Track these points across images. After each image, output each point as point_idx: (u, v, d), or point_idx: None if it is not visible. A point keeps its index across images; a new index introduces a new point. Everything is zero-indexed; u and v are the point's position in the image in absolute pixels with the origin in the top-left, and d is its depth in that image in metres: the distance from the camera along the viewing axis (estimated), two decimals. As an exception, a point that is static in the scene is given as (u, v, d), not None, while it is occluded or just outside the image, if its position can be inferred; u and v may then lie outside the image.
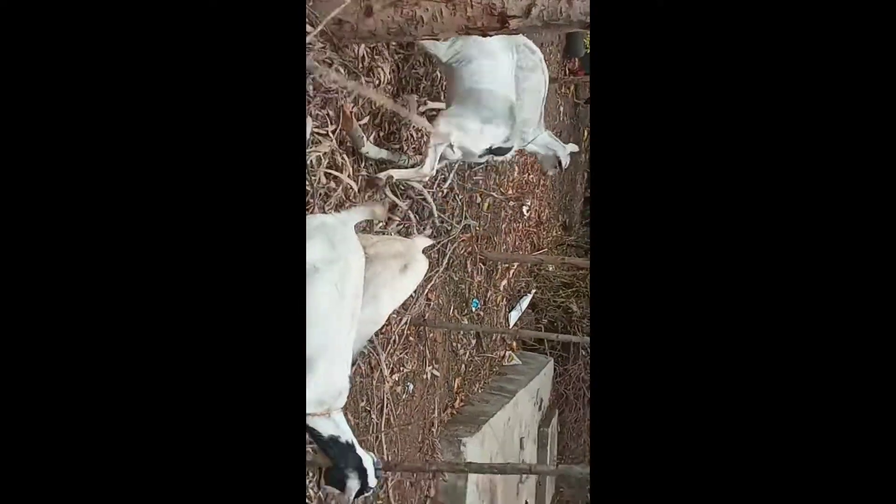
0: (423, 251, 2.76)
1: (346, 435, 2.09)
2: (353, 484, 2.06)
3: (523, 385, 5.45)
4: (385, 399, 3.62)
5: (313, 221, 2.17)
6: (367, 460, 2.09)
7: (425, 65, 3.76)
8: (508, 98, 3.26)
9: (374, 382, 3.51)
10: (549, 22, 2.66)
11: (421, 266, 2.68)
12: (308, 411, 2.00)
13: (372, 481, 2.09)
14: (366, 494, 2.15)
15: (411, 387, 3.95)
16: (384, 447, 3.57)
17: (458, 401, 4.69)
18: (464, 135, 3.18)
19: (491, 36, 2.77)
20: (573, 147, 3.99)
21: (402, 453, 3.81)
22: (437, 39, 2.87)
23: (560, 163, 3.91)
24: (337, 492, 2.12)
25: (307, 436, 2.07)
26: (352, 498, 2.08)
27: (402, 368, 3.85)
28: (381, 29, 2.78)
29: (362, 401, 3.43)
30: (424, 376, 4.14)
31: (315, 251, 2.06)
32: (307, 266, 2.01)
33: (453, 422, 4.46)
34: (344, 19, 2.77)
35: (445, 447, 4.23)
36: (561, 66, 7.01)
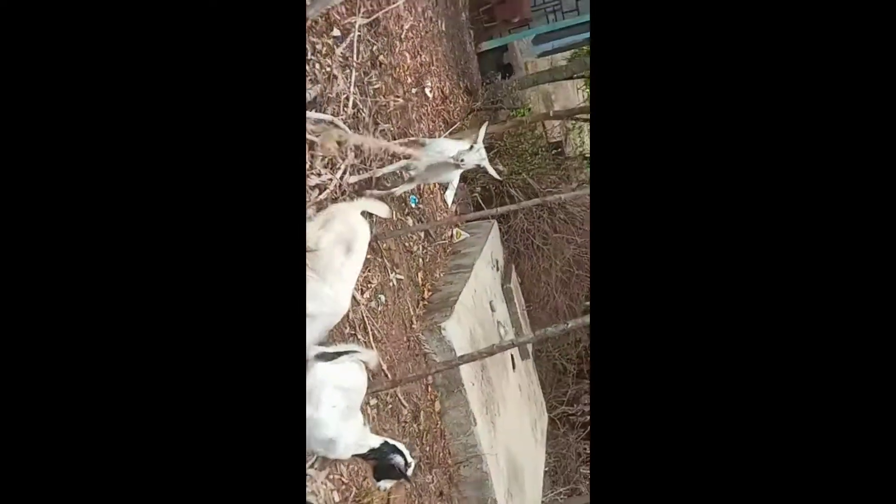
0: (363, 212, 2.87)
1: (372, 439, 2.42)
2: (399, 460, 2.39)
3: (477, 255, 5.81)
4: (364, 318, 3.92)
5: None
6: (393, 442, 2.45)
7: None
8: None
9: (351, 307, 3.78)
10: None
11: (363, 236, 2.78)
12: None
13: (409, 458, 2.43)
14: (411, 465, 2.50)
15: (383, 298, 4.24)
16: (380, 360, 3.90)
17: (426, 292, 5.03)
18: None
19: None
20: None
21: (394, 356, 4.17)
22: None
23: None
24: (393, 482, 2.47)
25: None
26: (407, 470, 2.42)
27: (369, 285, 4.12)
28: None
29: (346, 328, 3.71)
30: (391, 283, 4.43)
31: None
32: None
33: (429, 312, 4.81)
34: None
35: (428, 337, 4.60)
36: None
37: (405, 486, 3.80)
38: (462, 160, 3.65)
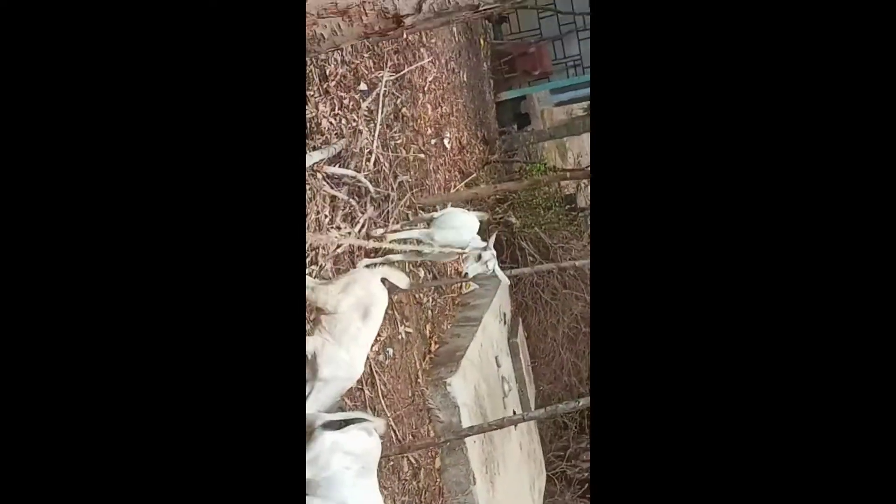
0: (383, 280, 2.88)
1: None
2: None
3: (486, 308, 5.81)
4: (372, 371, 3.91)
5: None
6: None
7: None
8: None
9: (360, 364, 3.77)
10: (441, 12, 2.78)
11: (381, 303, 2.79)
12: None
13: None
14: None
15: (391, 351, 4.23)
16: (387, 413, 3.89)
17: (433, 344, 5.02)
18: None
19: (391, 37, 2.87)
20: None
21: (400, 411, 4.15)
22: (340, 50, 2.95)
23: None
24: None
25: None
26: None
27: (378, 338, 4.12)
28: (285, 52, 2.85)
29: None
30: (399, 336, 4.42)
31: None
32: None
33: (435, 366, 4.79)
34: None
35: (433, 392, 4.58)
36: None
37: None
38: (479, 256, 3.80)
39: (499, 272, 3.89)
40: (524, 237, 6.83)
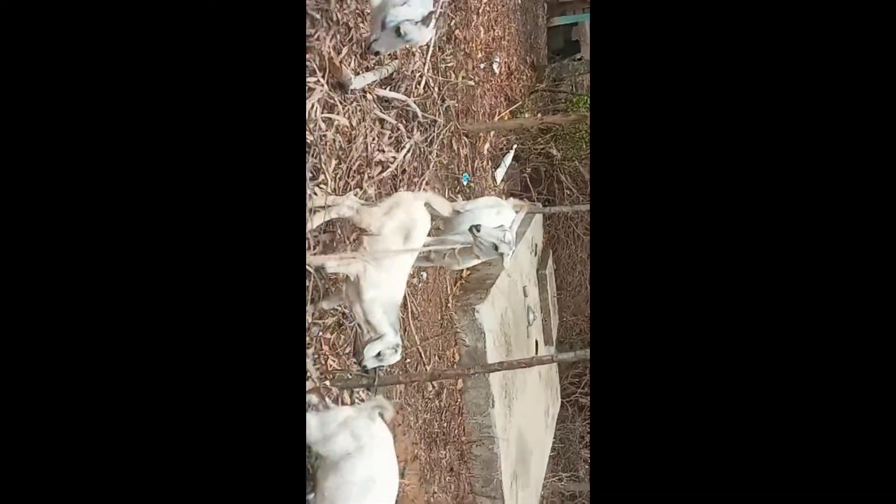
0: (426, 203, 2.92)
1: None
2: None
3: (519, 238, 5.87)
4: (405, 294, 4.03)
5: (338, 416, 2.44)
6: None
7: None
8: None
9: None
10: None
11: (423, 228, 2.83)
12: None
13: None
14: None
15: (424, 275, 4.34)
16: (414, 335, 4.03)
17: (464, 271, 5.12)
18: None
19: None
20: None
21: (427, 332, 4.29)
22: None
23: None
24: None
25: None
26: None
27: (414, 262, 4.22)
28: None
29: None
30: (433, 261, 4.53)
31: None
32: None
33: (465, 292, 4.91)
34: None
35: (461, 317, 4.72)
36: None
37: (419, 459, 3.97)
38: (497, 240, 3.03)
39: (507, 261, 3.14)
40: (563, 170, 6.80)
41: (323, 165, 3.04)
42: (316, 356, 3.04)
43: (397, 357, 2.83)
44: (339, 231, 3.12)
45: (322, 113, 3.06)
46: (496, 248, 2.91)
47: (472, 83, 5.20)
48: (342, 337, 3.27)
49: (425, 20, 2.45)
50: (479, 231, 2.87)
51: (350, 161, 3.27)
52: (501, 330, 5.06)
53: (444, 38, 4.78)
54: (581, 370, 7.89)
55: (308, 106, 2.99)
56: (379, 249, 2.85)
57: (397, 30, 2.44)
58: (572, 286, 7.03)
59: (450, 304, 4.67)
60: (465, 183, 5.31)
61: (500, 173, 6.29)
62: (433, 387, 4.29)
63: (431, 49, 4.37)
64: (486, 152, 5.91)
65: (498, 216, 3.28)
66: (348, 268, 2.81)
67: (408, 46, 2.63)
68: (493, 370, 3.67)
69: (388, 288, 2.83)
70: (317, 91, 3.01)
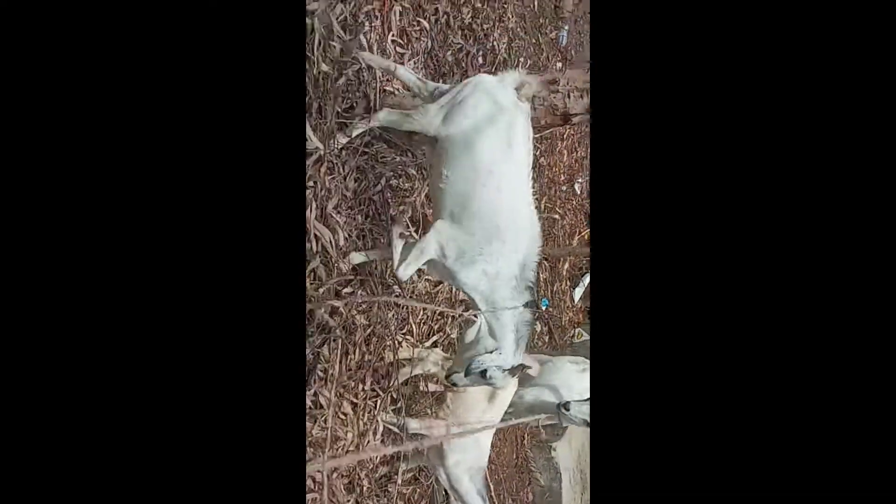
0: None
1: None
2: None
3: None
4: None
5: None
6: None
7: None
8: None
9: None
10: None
11: (510, 386, 2.77)
12: None
13: None
14: None
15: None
16: (489, 480, 3.87)
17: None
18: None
19: (558, 126, 2.82)
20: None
21: (501, 473, 4.13)
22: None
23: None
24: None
25: None
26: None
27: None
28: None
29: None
30: (511, 396, 4.39)
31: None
32: None
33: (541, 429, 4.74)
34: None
35: (536, 455, 4.54)
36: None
37: None
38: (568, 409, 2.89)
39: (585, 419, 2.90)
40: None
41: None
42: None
43: None
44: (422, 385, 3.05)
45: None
46: (586, 423, 2.78)
47: (556, 217, 5.18)
48: (417, 491, 3.16)
49: (513, 371, 2.34)
50: (568, 410, 2.75)
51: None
52: (578, 468, 4.83)
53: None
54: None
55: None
56: (461, 409, 2.77)
57: (483, 373, 2.27)
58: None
59: (525, 442, 4.50)
60: (544, 308, 5.22)
61: (578, 293, 6.18)
62: None
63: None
64: (564, 272, 5.83)
65: (582, 373, 3.17)
66: (431, 430, 2.74)
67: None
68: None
69: (474, 450, 2.73)
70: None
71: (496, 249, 2.22)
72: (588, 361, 3.26)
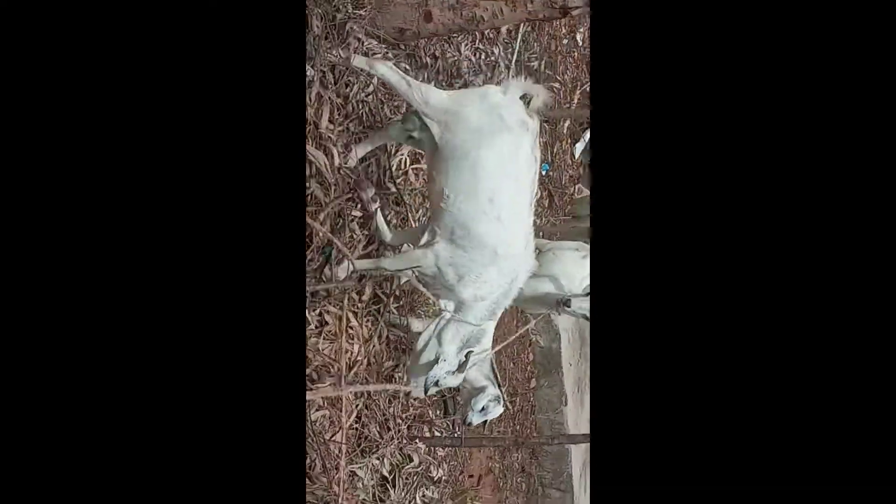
0: None
1: None
2: None
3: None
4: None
5: None
6: None
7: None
8: None
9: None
10: (613, 2, 2.52)
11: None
12: None
13: None
14: None
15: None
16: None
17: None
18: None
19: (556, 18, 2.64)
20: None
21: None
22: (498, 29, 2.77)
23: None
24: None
25: None
26: None
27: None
28: (443, 30, 2.71)
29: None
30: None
31: None
32: None
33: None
34: (405, 27, 2.71)
35: (535, 317, 4.71)
36: None
37: (492, 472, 4.09)
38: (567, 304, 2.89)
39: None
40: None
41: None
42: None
43: (500, 409, 2.87)
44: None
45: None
46: (586, 318, 2.85)
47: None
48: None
49: (460, 368, 2.45)
50: (569, 307, 2.81)
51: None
52: (576, 328, 5.05)
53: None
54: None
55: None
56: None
57: (437, 383, 2.39)
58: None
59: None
60: (544, 173, 5.18)
61: (578, 148, 6.10)
62: (510, 392, 4.36)
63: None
64: (566, 130, 5.72)
65: (583, 260, 3.21)
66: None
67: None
68: (577, 442, 3.69)
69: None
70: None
71: (491, 276, 2.30)
72: (588, 247, 3.28)
